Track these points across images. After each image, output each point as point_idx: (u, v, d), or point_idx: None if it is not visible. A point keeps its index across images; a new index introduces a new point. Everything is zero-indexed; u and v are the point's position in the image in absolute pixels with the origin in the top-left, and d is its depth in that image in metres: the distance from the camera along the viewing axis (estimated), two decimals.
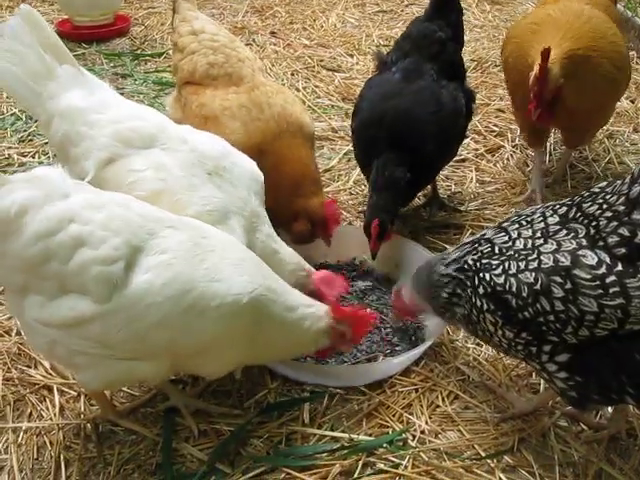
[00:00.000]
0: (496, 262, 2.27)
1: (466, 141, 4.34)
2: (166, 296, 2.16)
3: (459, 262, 2.41)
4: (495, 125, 4.61)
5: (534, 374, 2.79)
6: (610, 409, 2.60)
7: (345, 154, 4.32)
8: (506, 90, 4.21)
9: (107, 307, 2.15)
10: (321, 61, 5.69)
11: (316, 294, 2.76)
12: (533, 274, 2.18)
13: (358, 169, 3.92)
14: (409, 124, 3.29)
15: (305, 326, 2.47)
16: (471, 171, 4.18)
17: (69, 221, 2.15)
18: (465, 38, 6.18)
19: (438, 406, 2.72)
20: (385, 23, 6.71)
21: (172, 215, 2.36)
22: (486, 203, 3.90)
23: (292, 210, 3.08)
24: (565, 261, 2.14)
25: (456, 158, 3.95)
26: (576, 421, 2.64)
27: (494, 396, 2.74)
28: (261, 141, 3.09)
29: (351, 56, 5.80)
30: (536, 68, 3.21)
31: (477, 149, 4.40)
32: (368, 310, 2.73)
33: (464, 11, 7.05)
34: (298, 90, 5.13)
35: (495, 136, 4.52)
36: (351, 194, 3.97)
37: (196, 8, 3.63)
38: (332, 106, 4.93)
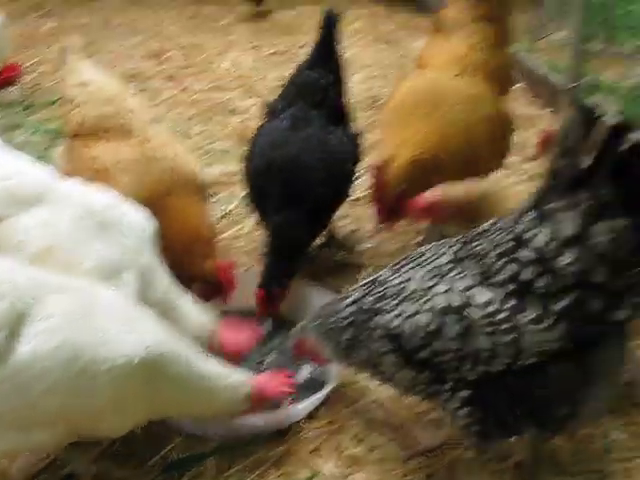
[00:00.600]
0: (391, 305, 2.30)
1: (361, 179, 4.39)
2: (54, 363, 2.09)
3: (358, 304, 2.42)
4: None
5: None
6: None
7: (243, 198, 4.29)
8: None
9: None
10: (217, 105, 5.70)
11: (222, 348, 2.76)
12: (428, 315, 2.21)
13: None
14: (297, 172, 3.32)
15: (224, 396, 2.46)
16: (368, 209, 4.22)
17: None
18: (358, 77, 6.38)
19: (346, 448, 2.70)
20: (280, 64, 6.77)
21: (58, 277, 2.29)
22: (384, 240, 3.94)
23: (187, 273, 3.02)
24: (458, 300, 2.18)
25: (352, 197, 3.99)
26: (482, 452, 2.66)
27: (400, 434, 2.75)
28: (152, 195, 3.04)
29: (247, 99, 5.83)
30: (374, 178, 3.24)
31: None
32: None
33: (357, 49, 7.29)
34: (194, 135, 5.11)
35: None
36: (250, 238, 3.95)
37: (85, 57, 3.58)
38: (228, 150, 4.92)
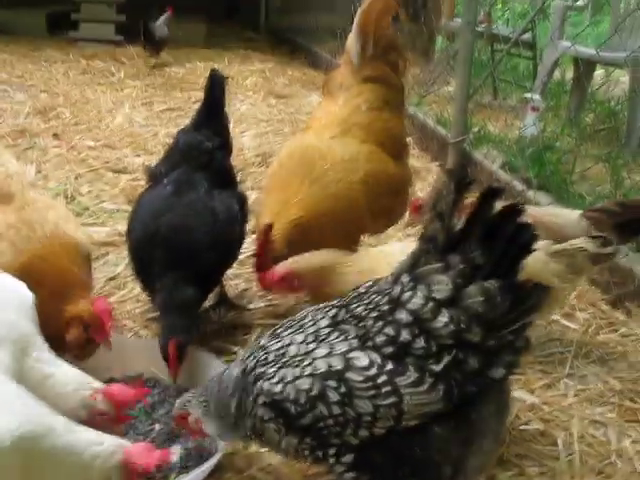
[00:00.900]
0: (272, 370, 2.26)
1: (254, 236, 4.38)
2: None
3: (242, 367, 2.37)
4: None
5: None
6: None
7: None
8: None
9: None
10: (106, 163, 5.61)
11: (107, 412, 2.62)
12: (309, 380, 2.18)
13: None
14: (183, 238, 3.27)
15: (95, 465, 2.32)
16: None
17: None
18: (251, 133, 6.43)
19: None
20: (172, 120, 6.77)
21: None
22: (275, 299, 3.91)
23: (63, 320, 2.92)
24: (338, 365, 2.15)
25: (242, 256, 3.96)
26: None
27: None
28: (32, 262, 2.95)
29: (138, 156, 5.76)
30: (256, 243, 3.28)
31: None
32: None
33: (250, 105, 7.39)
34: (82, 195, 5.00)
35: None
36: (138, 301, 3.83)
37: None
38: (117, 210, 4.83)
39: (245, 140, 6.29)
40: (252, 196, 4.92)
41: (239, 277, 4.13)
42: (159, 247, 3.25)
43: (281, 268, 3.08)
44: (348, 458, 2.22)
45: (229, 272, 3.87)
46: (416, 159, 6.19)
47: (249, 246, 4.11)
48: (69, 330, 2.95)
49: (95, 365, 3.03)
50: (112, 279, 4.05)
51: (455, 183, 2.09)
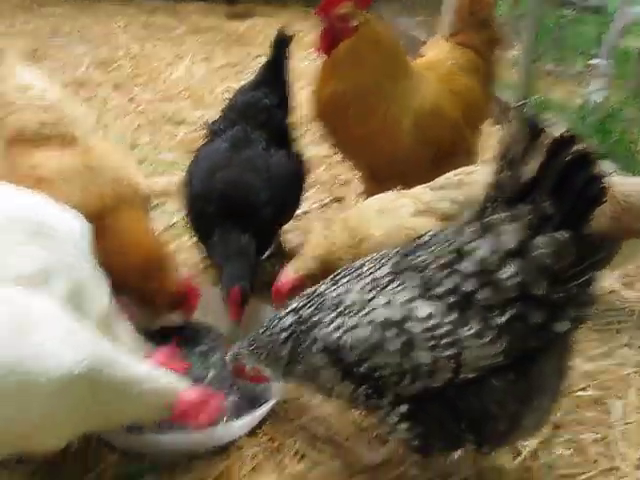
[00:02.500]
0: (329, 318, 2.24)
1: (311, 191, 4.36)
2: None
3: (296, 314, 2.36)
4: (339, 174, 4.65)
5: None
6: (458, 453, 2.60)
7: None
8: None
9: None
10: (165, 115, 5.61)
11: None
12: (367, 329, 2.15)
13: None
14: (241, 194, 3.26)
15: (151, 399, 2.34)
16: (316, 220, 4.19)
17: None
18: (308, 90, 6.35)
19: (287, 466, 2.62)
20: (232, 76, 6.74)
21: None
22: None
23: (147, 294, 2.99)
24: (397, 314, 2.13)
25: (299, 211, 3.94)
26: (426, 469, 2.61)
27: (342, 450, 2.68)
28: (96, 205, 2.95)
29: (196, 109, 5.75)
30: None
31: (322, 199, 4.42)
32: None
33: (310, 62, 7.24)
34: (141, 145, 5.02)
35: (340, 186, 4.56)
36: (193, 252, 3.82)
37: (25, 61, 3.47)
38: (176, 161, 4.84)
39: (302, 98, 6.23)
40: (311, 151, 4.89)
41: (295, 231, 4.11)
42: (215, 202, 3.24)
43: (287, 279, 3.08)
44: (403, 408, 2.20)
45: (287, 225, 3.86)
46: None
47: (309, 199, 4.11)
48: (154, 303, 3.03)
49: None
50: (168, 228, 4.06)
51: (528, 131, 2.03)
